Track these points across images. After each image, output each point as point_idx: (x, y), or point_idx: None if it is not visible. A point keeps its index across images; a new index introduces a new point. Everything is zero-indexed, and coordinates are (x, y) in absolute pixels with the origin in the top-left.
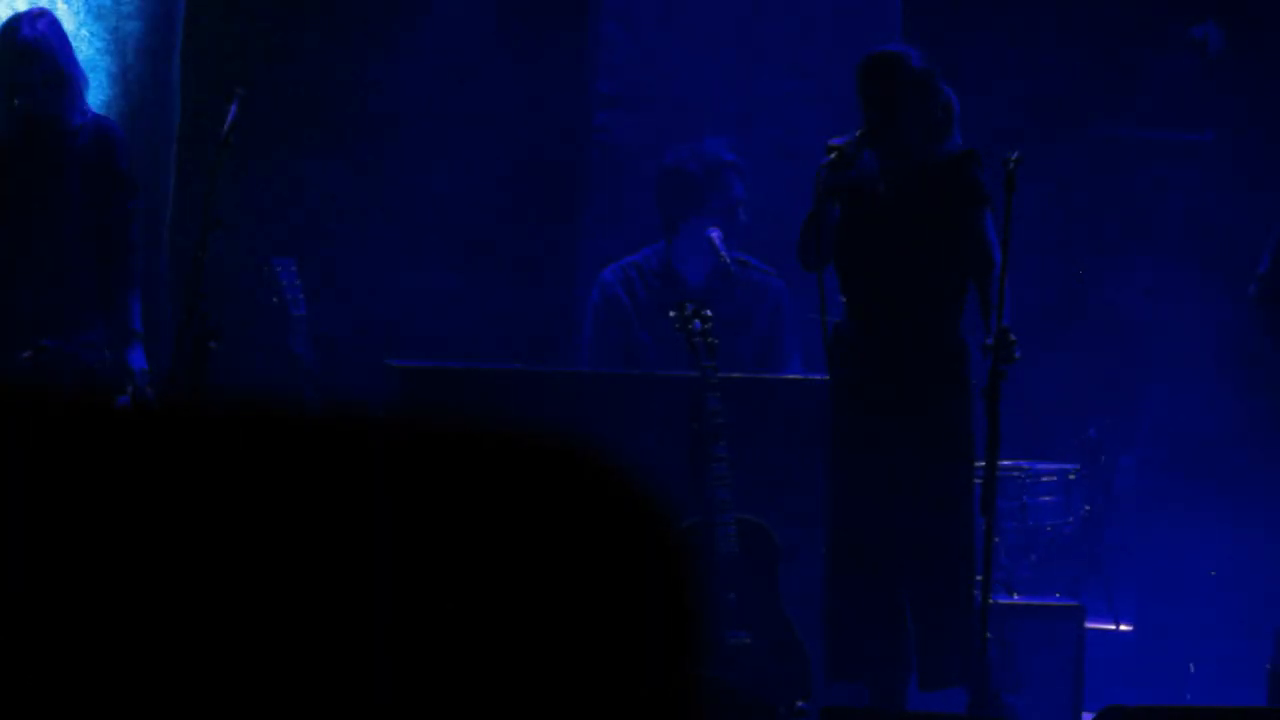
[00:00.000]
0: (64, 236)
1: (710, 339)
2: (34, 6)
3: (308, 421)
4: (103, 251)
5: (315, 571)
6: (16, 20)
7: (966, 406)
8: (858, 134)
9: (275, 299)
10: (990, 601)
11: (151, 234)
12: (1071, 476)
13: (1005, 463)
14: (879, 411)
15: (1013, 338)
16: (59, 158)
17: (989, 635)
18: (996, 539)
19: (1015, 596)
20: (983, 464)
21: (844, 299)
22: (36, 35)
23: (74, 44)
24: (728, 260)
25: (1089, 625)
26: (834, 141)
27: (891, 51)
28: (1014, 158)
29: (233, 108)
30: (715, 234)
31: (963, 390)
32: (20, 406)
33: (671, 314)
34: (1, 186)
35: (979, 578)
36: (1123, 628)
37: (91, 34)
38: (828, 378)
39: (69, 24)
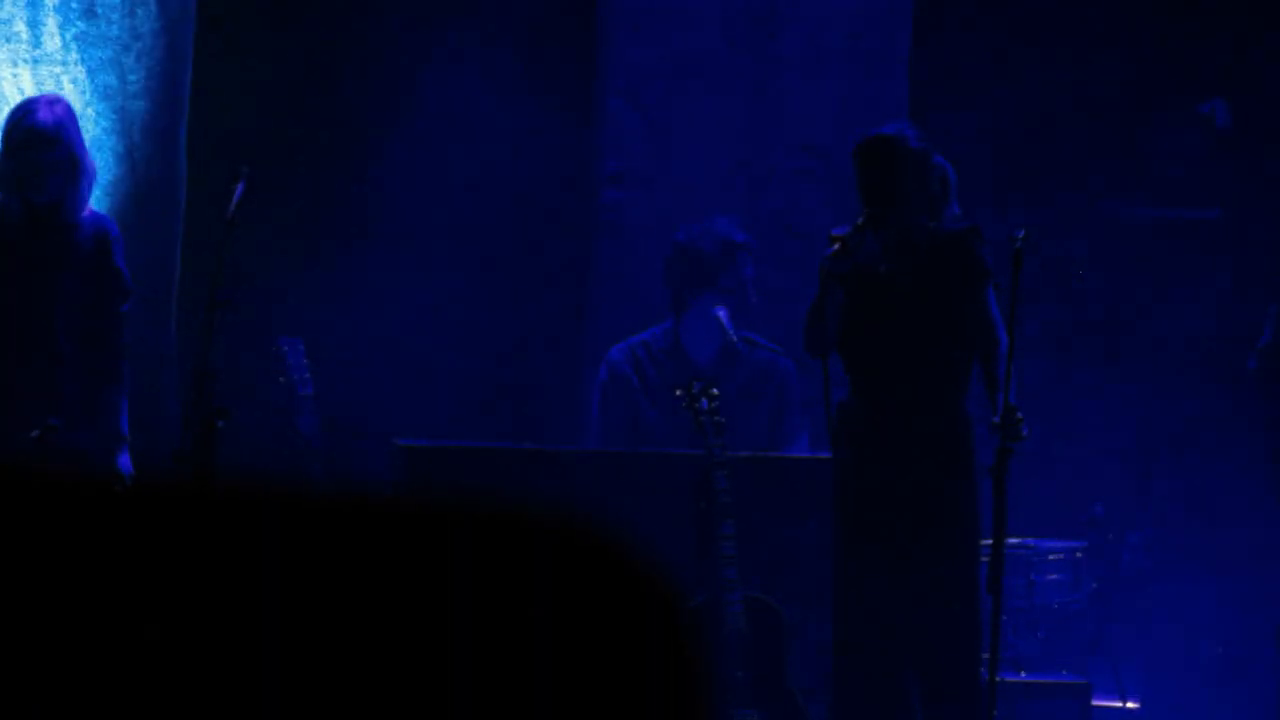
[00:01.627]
0: (56, 330)
1: (717, 418)
2: (47, 93)
3: (315, 502)
4: (92, 351)
5: (322, 650)
6: (34, 104)
7: (972, 485)
8: (859, 222)
9: (282, 378)
10: (998, 679)
11: (159, 313)
12: (1079, 554)
13: (1012, 540)
14: (884, 490)
15: (1020, 416)
16: (59, 250)
17: (996, 714)
18: (1004, 617)
19: (1023, 674)
20: (989, 542)
21: (849, 378)
22: (54, 121)
23: (80, 123)
24: (735, 339)
25: (1096, 703)
26: (835, 232)
27: (887, 135)
28: (1020, 235)
29: (239, 187)
30: (722, 313)
31: (968, 468)
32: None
33: (679, 393)
34: (9, 262)
35: (986, 656)
36: (1130, 705)
37: (98, 114)
38: (833, 457)
39: (76, 104)
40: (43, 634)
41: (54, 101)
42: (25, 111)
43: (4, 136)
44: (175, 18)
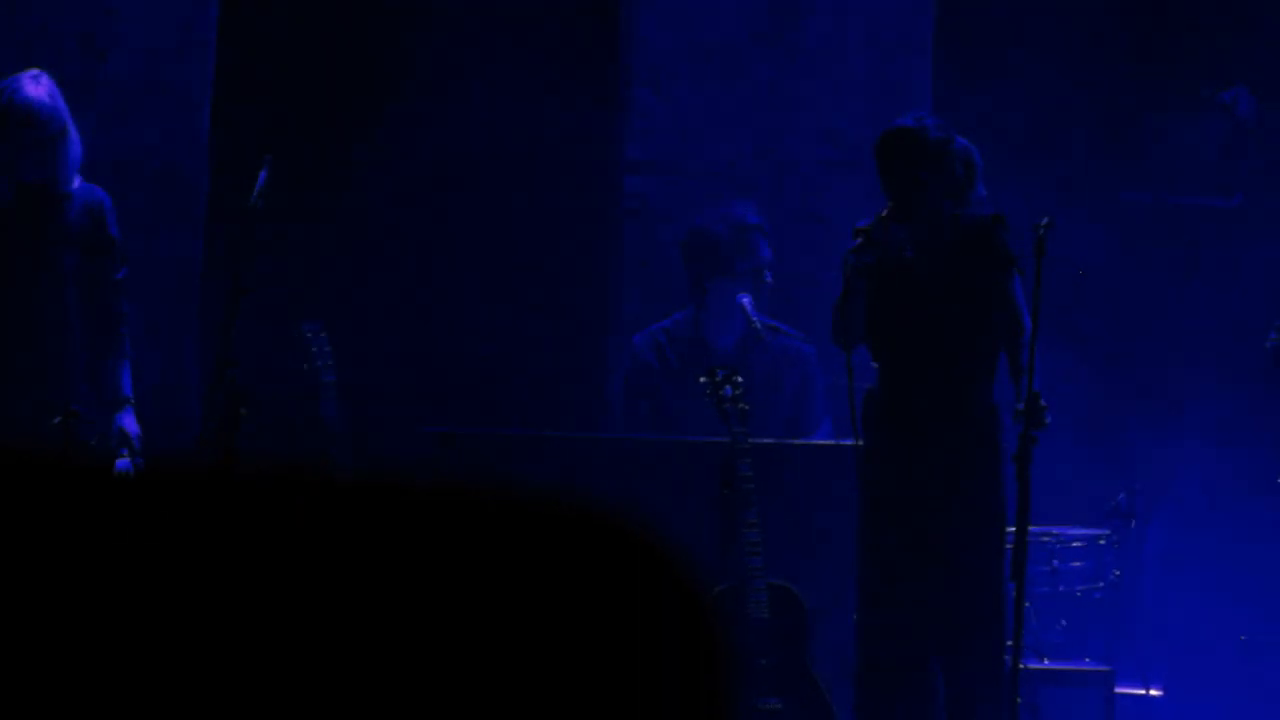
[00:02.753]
0: (57, 302)
1: (741, 405)
2: (28, 70)
3: (338, 488)
4: (92, 320)
5: (346, 635)
6: (18, 82)
7: (998, 472)
8: (882, 214)
9: (305, 365)
10: (1021, 666)
11: (181, 300)
12: (1101, 541)
13: (1035, 528)
14: (910, 477)
15: (1043, 403)
16: (56, 226)
17: (1019, 700)
18: (1027, 604)
19: (1046, 661)
20: (1013, 529)
21: (876, 365)
22: (44, 97)
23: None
24: (758, 326)
25: (1119, 690)
26: (860, 225)
27: (908, 127)
28: (1043, 223)
29: (262, 174)
30: (746, 300)
31: (994, 455)
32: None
33: (702, 380)
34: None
35: (1009, 643)
36: (1153, 692)
37: None
38: (859, 443)
39: None
40: (64, 620)
41: (37, 77)
42: (11, 90)
43: None
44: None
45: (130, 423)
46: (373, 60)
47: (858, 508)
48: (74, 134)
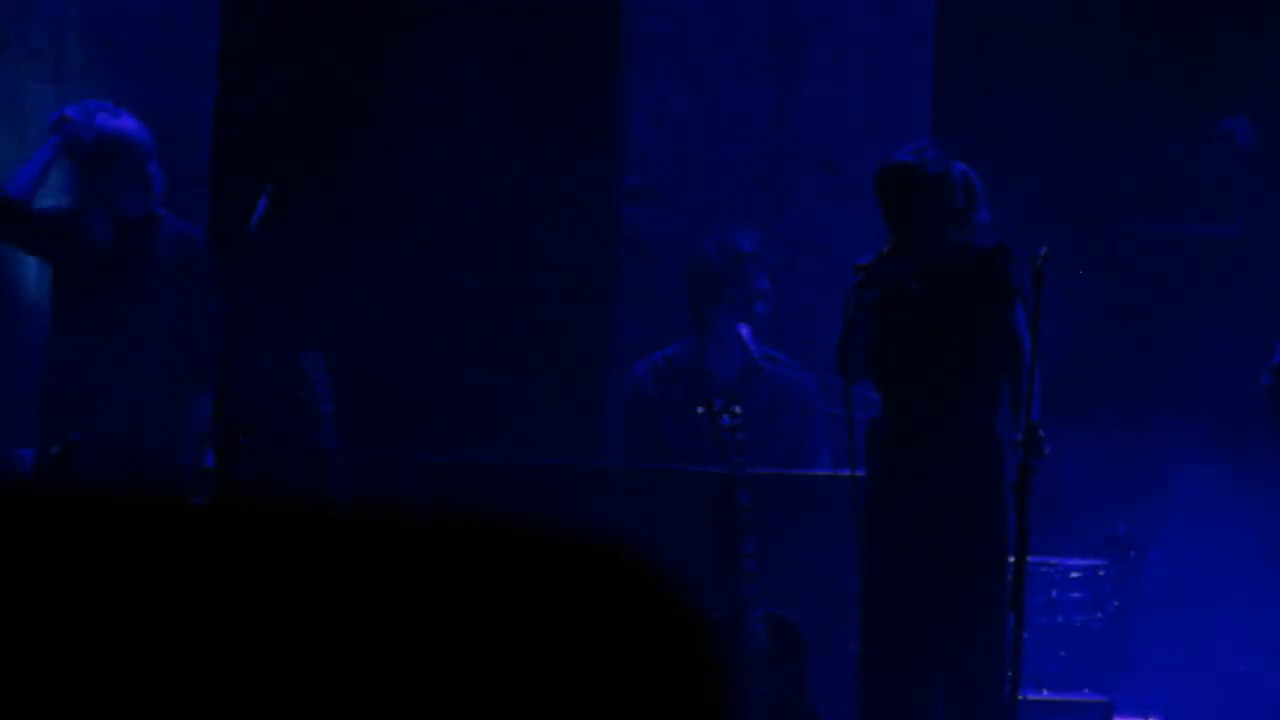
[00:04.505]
0: (150, 334)
1: (739, 435)
2: (98, 102)
3: (337, 518)
4: (180, 356)
5: (344, 666)
6: (97, 116)
7: (1000, 502)
8: (883, 250)
9: (304, 394)
10: (1020, 697)
11: None
12: (1100, 572)
13: (1034, 558)
14: (912, 508)
15: (1041, 434)
16: (148, 256)
17: None
18: (1026, 634)
19: (1045, 692)
20: (1012, 559)
21: (880, 396)
22: (127, 125)
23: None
24: (757, 357)
25: None
26: (861, 262)
27: (906, 162)
28: (1043, 253)
29: (261, 202)
30: (745, 330)
31: (996, 485)
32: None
33: (701, 410)
34: (90, 282)
35: (1009, 673)
36: None
37: None
38: (861, 472)
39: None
40: (62, 649)
41: (115, 111)
42: (99, 124)
43: (75, 149)
44: (198, 35)
45: (210, 459)
46: (371, 90)
47: (858, 538)
48: (156, 163)
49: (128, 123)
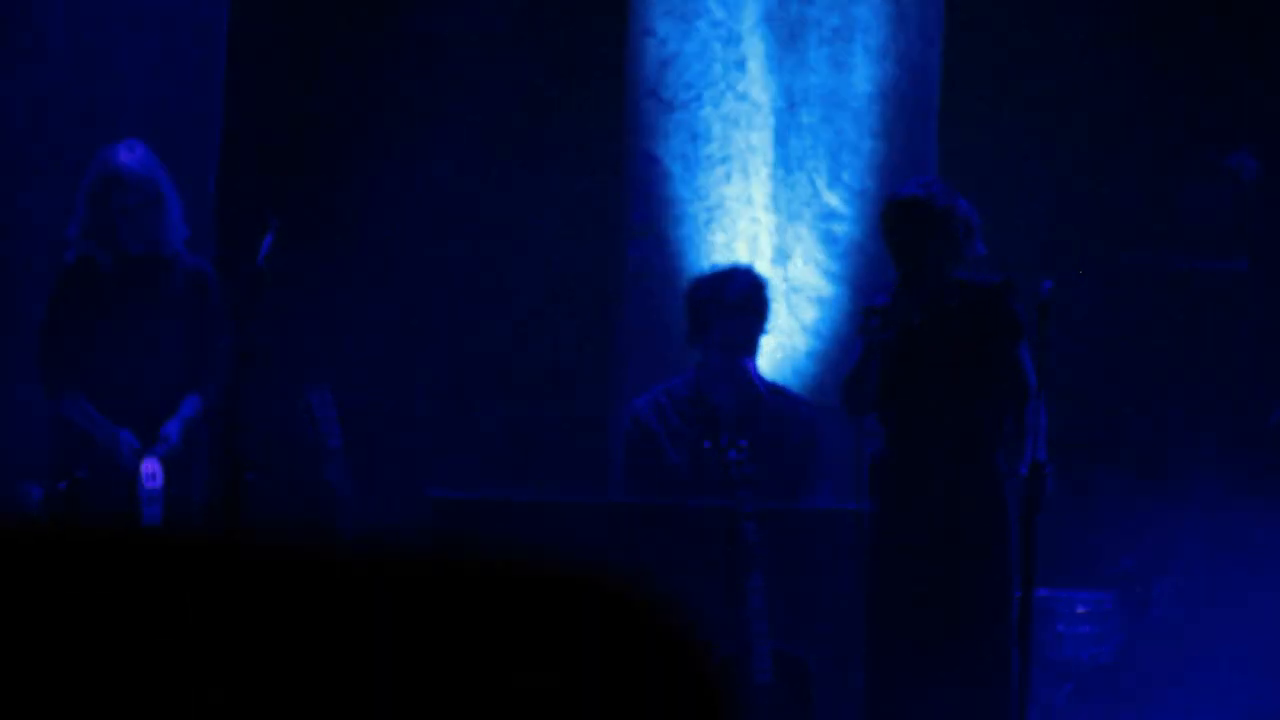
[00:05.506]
0: (159, 370)
1: (745, 469)
2: (122, 140)
3: (344, 554)
4: (191, 386)
5: (353, 703)
6: (111, 149)
7: (1005, 536)
8: (893, 292)
9: (310, 430)
10: None
11: None
12: (1107, 606)
13: (1041, 592)
14: (917, 542)
15: (1047, 471)
16: (156, 292)
17: None
18: (1032, 669)
19: None
20: (1019, 594)
21: (885, 430)
22: (131, 161)
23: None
24: (762, 390)
25: None
26: (874, 304)
27: (913, 196)
28: (1047, 288)
29: (268, 238)
30: (751, 364)
31: (1001, 520)
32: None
33: (706, 445)
34: (100, 318)
35: (1016, 706)
36: None
37: None
38: (867, 506)
39: None
40: (67, 687)
41: (131, 146)
42: (105, 158)
43: (87, 190)
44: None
45: (172, 429)
46: (377, 126)
47: (864, 572)
48: (174, 201)
49: (134, 157)
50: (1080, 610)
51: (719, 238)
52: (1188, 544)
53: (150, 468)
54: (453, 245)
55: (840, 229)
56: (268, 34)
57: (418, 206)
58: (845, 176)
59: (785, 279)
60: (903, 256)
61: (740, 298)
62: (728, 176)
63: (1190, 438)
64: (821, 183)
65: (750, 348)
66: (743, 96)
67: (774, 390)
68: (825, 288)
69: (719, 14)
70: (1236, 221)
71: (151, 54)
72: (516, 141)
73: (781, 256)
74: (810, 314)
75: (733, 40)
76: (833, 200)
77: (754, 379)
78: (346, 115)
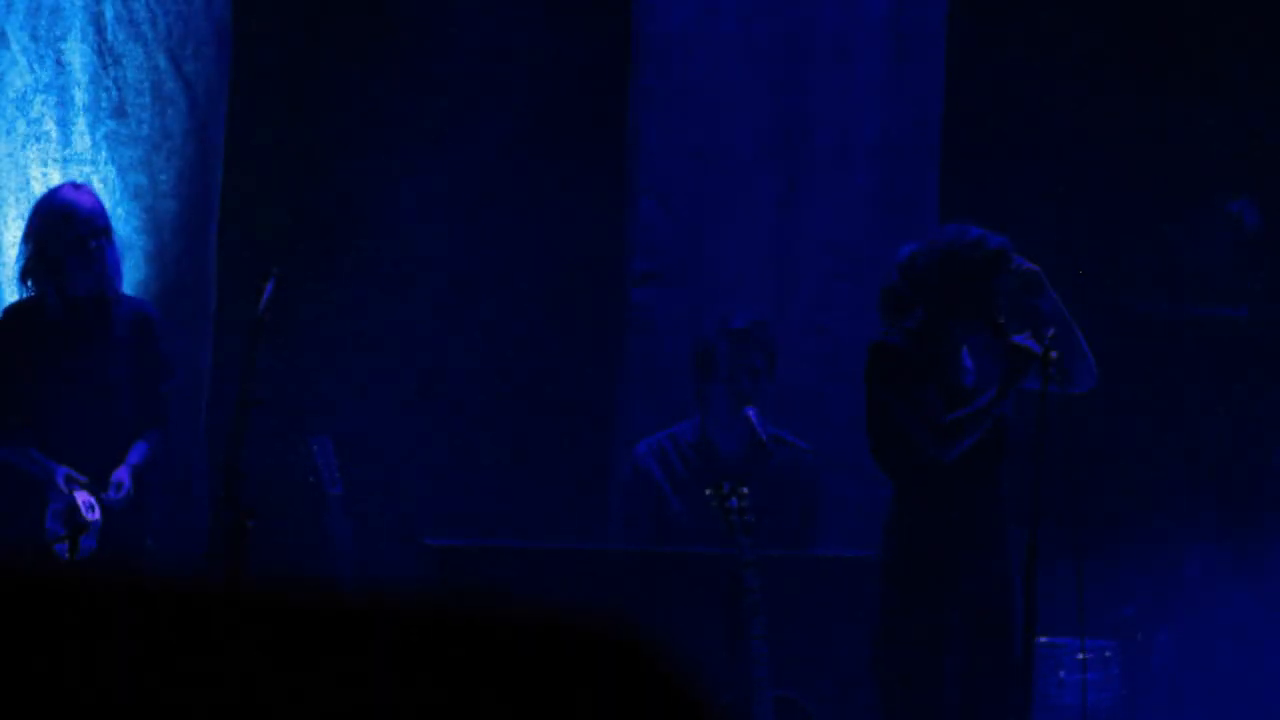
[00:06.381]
0: (106, 414)
1: (747, 516)
2: (68, 180)
3: (345, 603)
4: (139, 432)
5: None
6: (58, 192)
7: (1012, 584)
8: (909, 329)
9: (312, 478)
10: None
11: (188, 412)
12: (1108, 654)
13: (1042, 640)
14: (932, 587)
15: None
16: (101, 335)
17: None
18: (1035, 715)
19: None
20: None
21: (901, 483)
22: (83, 204)
23: (112, 223)
24: (765, 439)
25: None
26: (891, 342)
27: (919, 252)
28: (1049, 334)
29: (269, 286)
30: (752, 412)
31: (1008, 566)
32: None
33: (708, 493)
34: (47, 361)
35: None
36: None
37: (128, 213)
38: (878, 555)
39: (106, 203)
40: None
41: (78, 186)
42: (51, 196)
43: (33, 228)
44: (205, 118)
45: (123, 474)
46: (376, 171)
47: (876, 620)
48: (116, 242)
49: (81, 195)
50: (1082, 657)
51: (718, 283)
52: (1189, 591)
53: (87, 499)
54: (455, 290)
55: (842, 281)
56: (270, 90)
57: (419, 255)
58: (846, 232)
59: (787, 324)
60: (970, 304)
61: (746, 324)
62: (730, 219)
63: (1191, 485)
64: (823, 234)
65: (755, 386)
66: None
67: (777, 438)
68: (826, 334)
69: None
70: (1237, 269)
71: (159, 93)
72: (518, 187)
73: (784, 302)
74: (813, 359)
75: None
76: (833, 251)
77: (757, 427)
78: (346, 164)
